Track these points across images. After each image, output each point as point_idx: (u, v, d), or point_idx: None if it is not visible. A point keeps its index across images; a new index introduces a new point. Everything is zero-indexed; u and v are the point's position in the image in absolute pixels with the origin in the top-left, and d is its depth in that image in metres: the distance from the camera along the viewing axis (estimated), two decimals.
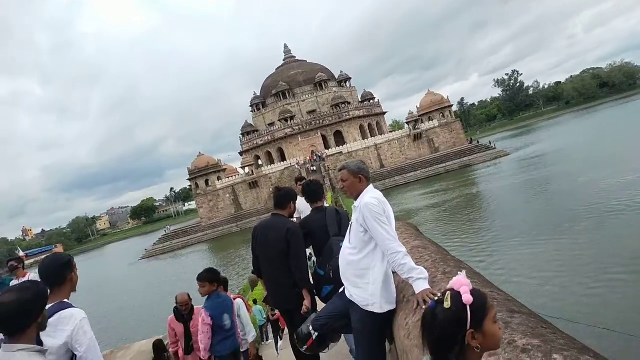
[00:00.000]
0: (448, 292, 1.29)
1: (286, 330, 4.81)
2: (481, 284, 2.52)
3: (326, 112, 63.44)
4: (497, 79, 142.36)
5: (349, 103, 65.08)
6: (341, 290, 3.03)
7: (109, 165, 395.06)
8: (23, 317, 2.05)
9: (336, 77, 71.95)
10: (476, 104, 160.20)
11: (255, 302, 13.04)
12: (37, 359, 2.04)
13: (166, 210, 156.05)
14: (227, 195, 57.03)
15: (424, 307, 2.37)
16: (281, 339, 8.67)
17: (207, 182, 57.94)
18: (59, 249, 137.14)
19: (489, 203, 25.51)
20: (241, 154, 67.23)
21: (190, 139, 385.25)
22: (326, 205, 4.26)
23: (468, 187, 33.91)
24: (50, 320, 2.37)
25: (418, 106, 61.41)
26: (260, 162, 64.76)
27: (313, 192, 4.13)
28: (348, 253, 2.85)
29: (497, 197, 26.21)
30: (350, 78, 72.72)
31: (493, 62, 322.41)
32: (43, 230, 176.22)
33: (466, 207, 26.03)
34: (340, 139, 61.36)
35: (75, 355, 2.47)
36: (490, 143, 56.83)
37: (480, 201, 27.07)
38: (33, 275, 6.35)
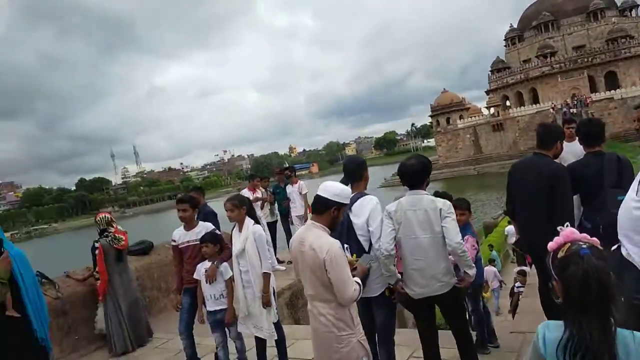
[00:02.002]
0: None
1: (532, 280, 4.73)
2: None
3: (598, 48, 53.69)
4: None
5: (632, 37, 53.31)
6: (613, 248, 2.61)
7: (361, 97, 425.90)
8: (422, 174, 3.14)
9: (617, 4, 59.27)
10: None
11: (491, 247, 13.18)
12: (431, 200, 3.05)
13: (406, 145, 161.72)
14: (468, 136, 55.79)
15: None
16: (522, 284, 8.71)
17: (448, 120, 57.68)
18: (315, 167, 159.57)
19: None
20: (488, 92, 63.69)
21: (437, 74, 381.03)
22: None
23: None
24: (355, 204, 3.17)
25: None
26: (508, 103, 60.33)
27: (592, 133, 3.62)
28: (634, 207, 2.43)
29: None
30: (638, 5, 58.89)
31: None
32: (304, 150, 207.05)
33: None
34: (612, 82, 51.63)
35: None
36: None
37: None
38: (302, 182, 8.11)
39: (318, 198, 2.61)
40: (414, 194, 3.12)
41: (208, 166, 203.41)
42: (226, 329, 3.99)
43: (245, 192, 7.26)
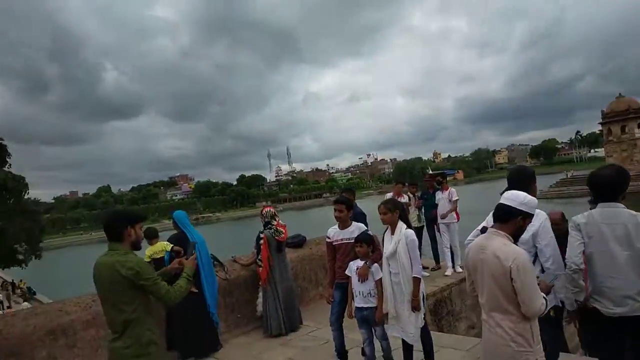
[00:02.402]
0: None
1: None
2: None
3: None
4: None
5: None
6: None
7: (517, 101, 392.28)
8: (619, 186, 2.90)
9: None
10: None
11: None
12: (631, 214, 2.80)
13: (568, 154, 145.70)
14: None
15: None
16: None
17: (623, 128, 50.26)
18: (460, 174, 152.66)
19: None
20: None
21: (613, 78, 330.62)
22: None
23: None
24: None
25: None
26: None
27: None
28: None
29: None
30: None
31: None
32: (449, 156, 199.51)
33: None
34: None
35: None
36: None
37: None
38: (453, 189, 7.83)
39: (502, 206, 2.56)
40: (608, 206, 2.90)
41: (352, 168, 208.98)
42: (372, 328, 4.13)
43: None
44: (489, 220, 3.00)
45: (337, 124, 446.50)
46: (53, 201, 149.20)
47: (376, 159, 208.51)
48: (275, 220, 5.68)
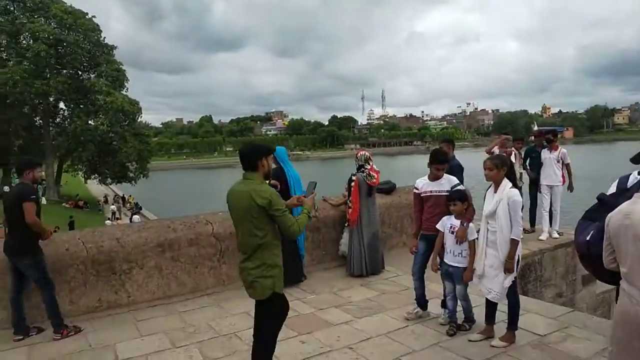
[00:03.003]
0: None
1: None
2: None
3: None
4: None
5: None
6: None
7: None
8: None
9: None
10: None
11: None
12: None
13: None
14: None
15: None
16: None
17: None
18: (569, 132, 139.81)
19: None
20: None
21: None
22: None
23: None
24: None
25: None
26: None
27: None
28: None
29: None
30: None
31: None
32: (560, 111, 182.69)
33: None
34: None
35: None
36: None
37: None
38: (564, 150, 7.15)
39: None
40: None
41: (448, 117, 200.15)
42: (455, 286, 4.05)
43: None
44: (612, 190, 2.72)
45: (439, 67, 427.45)
46: (161, 126, 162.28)
47: (476, 108, 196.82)
48: (369, 164, 5.68)
